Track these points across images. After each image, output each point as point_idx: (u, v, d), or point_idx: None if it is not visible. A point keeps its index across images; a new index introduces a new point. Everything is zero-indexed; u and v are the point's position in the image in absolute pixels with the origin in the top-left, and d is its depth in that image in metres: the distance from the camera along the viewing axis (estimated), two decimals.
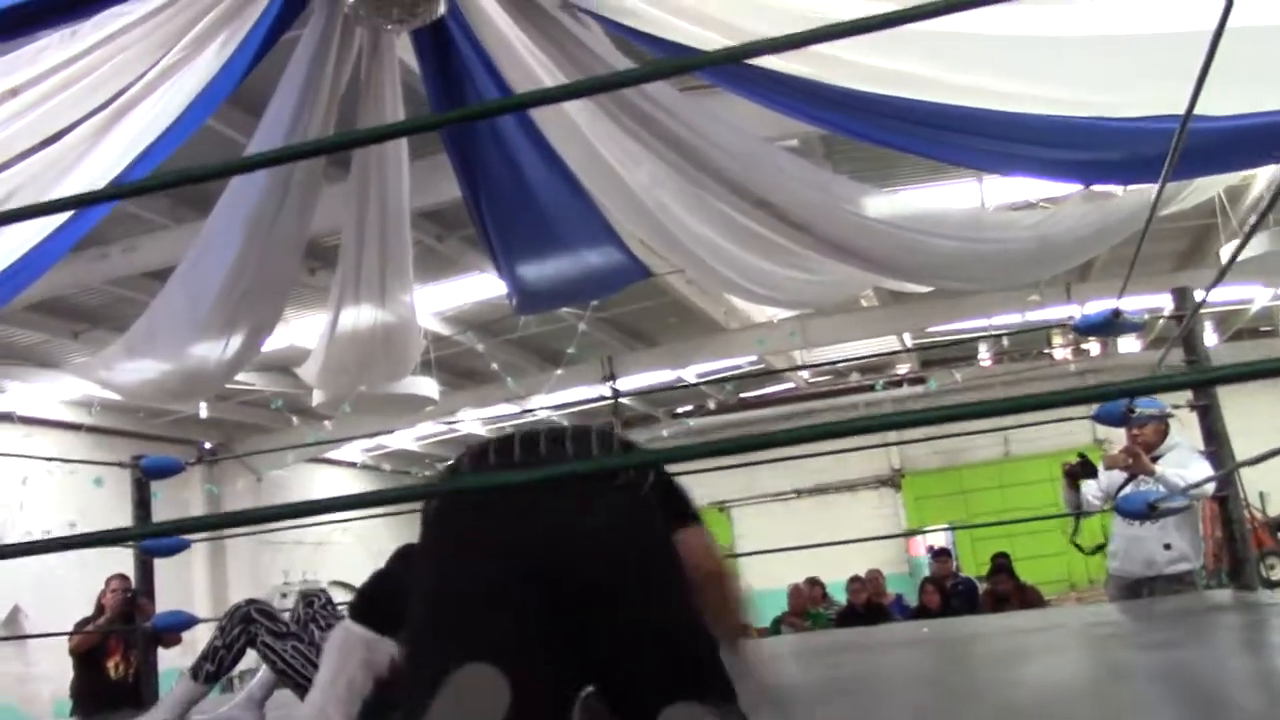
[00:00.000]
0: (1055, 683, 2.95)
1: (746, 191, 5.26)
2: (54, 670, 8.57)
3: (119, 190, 4.81)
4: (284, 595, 16.37)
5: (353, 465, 17.82)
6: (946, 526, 16.85)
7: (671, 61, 4.12)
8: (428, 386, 11.14)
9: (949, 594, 7.76)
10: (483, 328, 12.22)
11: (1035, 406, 1.21)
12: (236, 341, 6.23)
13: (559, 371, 13.27)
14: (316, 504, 1.58)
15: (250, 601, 3.52)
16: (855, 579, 7.86)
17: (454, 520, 1.86)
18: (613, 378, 14.19)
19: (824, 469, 18.09)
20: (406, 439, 17.14)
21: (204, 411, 12.29)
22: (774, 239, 5.57)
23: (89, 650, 5.20)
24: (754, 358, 14.78)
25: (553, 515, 1.79)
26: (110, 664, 5.28)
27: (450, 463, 2.07)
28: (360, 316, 6.37)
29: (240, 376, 12.18)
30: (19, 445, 11.77)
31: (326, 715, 2.63)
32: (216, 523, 8.18)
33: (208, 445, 15.25)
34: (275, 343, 10.75)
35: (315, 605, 3.38)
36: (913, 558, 17.71)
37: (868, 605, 7.66)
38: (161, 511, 12.42)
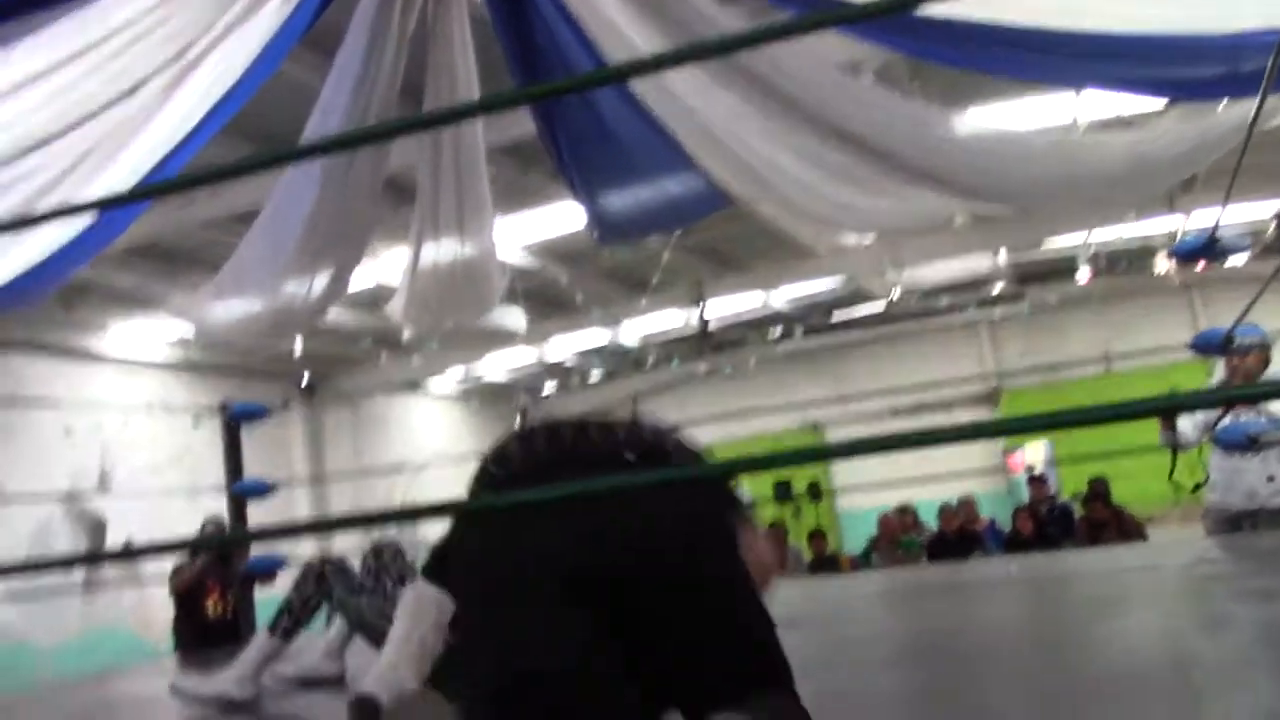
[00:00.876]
0: (1147, 642, 2.86)
1: (823, 120, 5.12)
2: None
3: (153, 188, 4.83)
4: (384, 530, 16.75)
5: (447, 397, 18.03)
6: (1040, 468, 16.53)
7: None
8: (515, 318, 11.16)
9: (1044, 521, 7.61)
10: (569, 258, 12.18)
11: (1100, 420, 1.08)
12: (321, 281, 6.30)
13: (643, 301, 13.22)
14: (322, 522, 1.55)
15: (324, 559, 3.56)
16: (946, 507, 7.72)
17: (491, 529, 1.81)
18: (701, 302, 14.11)
19: (920, 388, 17.86)
20: (499, 369, 17.29)
21: (299, 347, 12.50)
22: (854, 168, 5.43)
23: (187, 590, 5.36)
24: (844, 279, 14.55)
25: (590, 515, 1.71)
26: (208, 603, 5.45)
27: (479, 469, 1.98)
28: (440, 254, 6.39)
29: (334, 312, 12.39)
30: (120, 386, 12.14)
31: (398, 673, 2.65)
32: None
33: (306, 379, 15.56)
34: (366, 279, 10.88)
35: (385, 557, 3.41)
36: (1011, 477, 17.45)
37: (960, 533, 7.53)
38: (263, 447, 12.81)
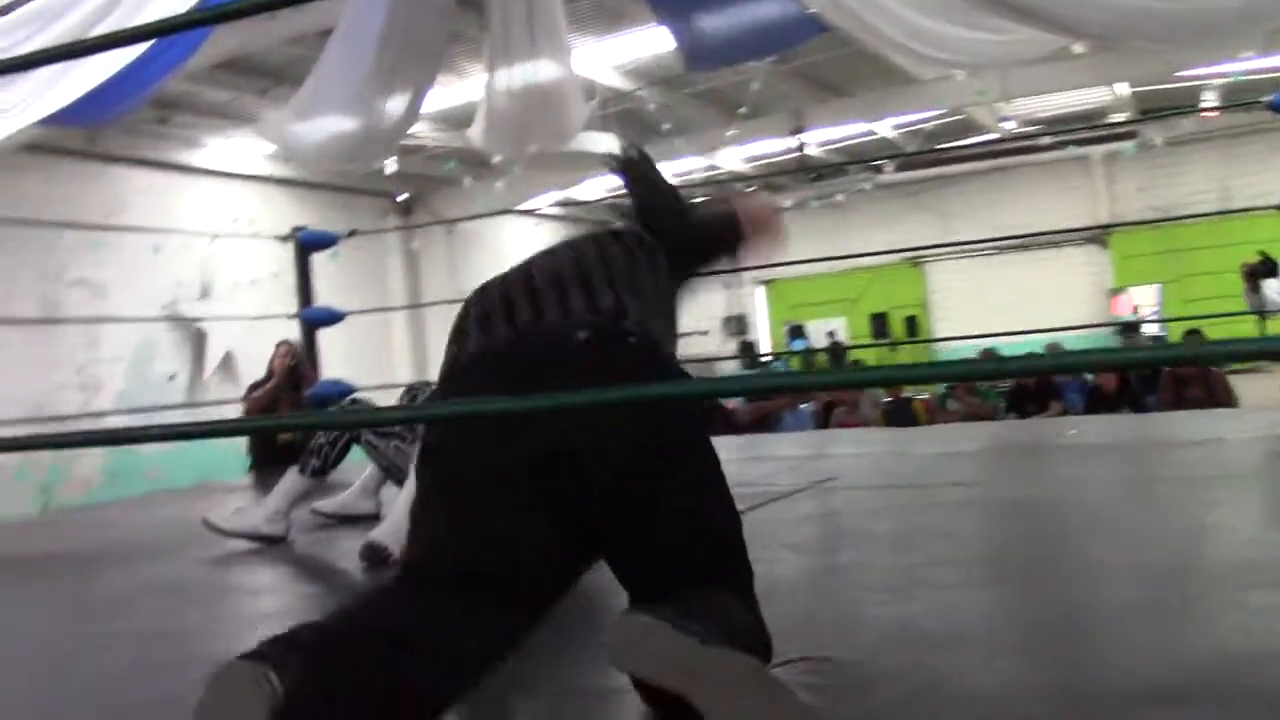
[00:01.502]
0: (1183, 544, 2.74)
1: None
2: None
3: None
4: None
5: (544, 216, 18.00)
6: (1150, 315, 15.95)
7: None
8: (606, 143, 10.99)
9: (1126, 376, 7.30)
10: (664, 81, 11.86)
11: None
12: (397, 102, 6.23)
13: (731, 131, 12.86)
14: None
15: (354, 400, 3.59)
16: (1030, 356, 7.45)
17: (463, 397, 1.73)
18: (800, 130, 13.72)
19: (1026, 224, 17.32)
20: (598, 192, 17.16)
21: (391, 166, 12.50)
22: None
23: (260, 412, 5.49)
24: (951, 109, 13.97)
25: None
26: None
27: (457, 323, 1.89)
28: (513, 79, 6.24)
29: (428, 131, 12.33)
30: (216, 201, 12.33)
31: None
32: None
33: (400, 197, 15.63)
34: (454, 98, 10.77)
35: (418, 399, 3.42)
36: (1116, 318, 16.99)
37: (1039, 383, 7.30)
38: (359, 265, 12.97)
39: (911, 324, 18.18)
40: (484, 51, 6.23)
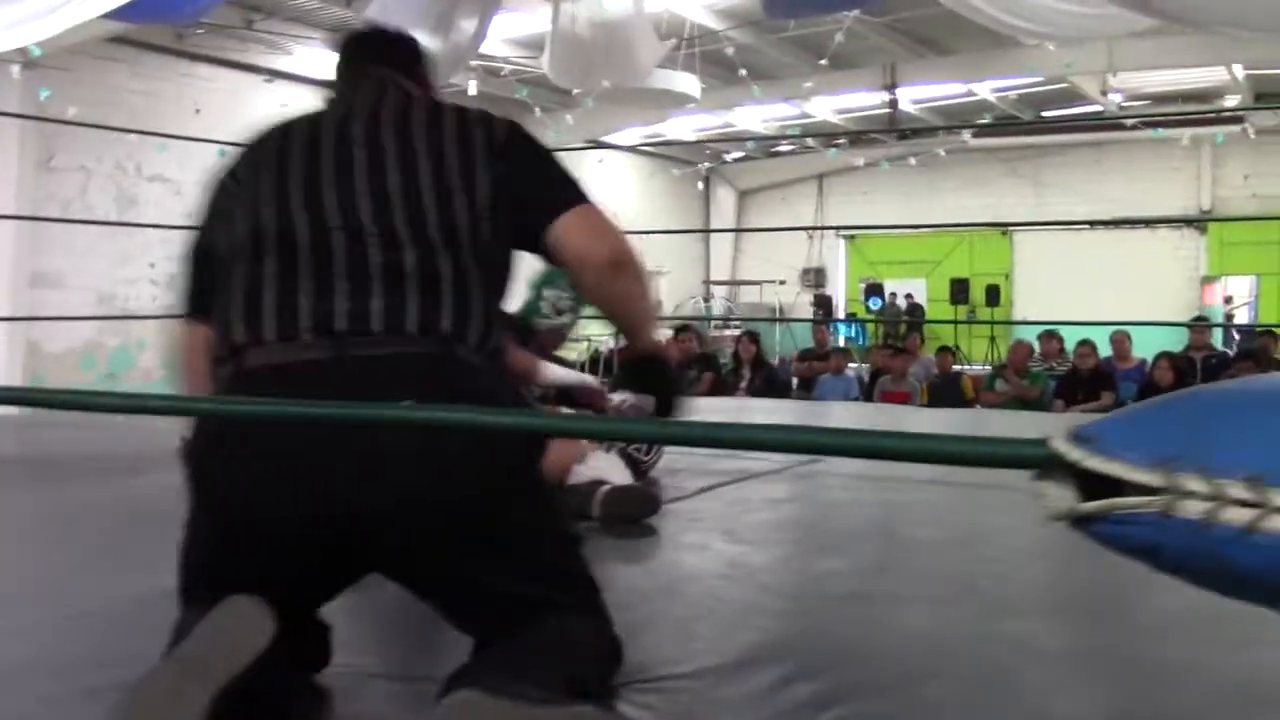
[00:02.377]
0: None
1: None
2: None
3: None
4: None
5: (631, 150, 17.84)
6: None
7: None
8: (686, 82, 10.80)
9: (1184, 371, 6.97)
10: (754, 24, 11.59)
11: None
12: (464, 19, 6.17)
13: (808, 83, 12.52)
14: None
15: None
16: (1085, 343, 7.15)
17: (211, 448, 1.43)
18: (893, 87, 13.37)
19: (1122, 199, 16.77)
20: (684, 129, 16.94)
21: (473, 88, 12.44)
22: None
23: None
24: (1050, 77, 13.48)
25: (330, 439, 1.33)
26: None
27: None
28: (578, 13, 6.16)
29: (514, 54, 12.23)
30: (296, 106, 12.35)
31: None
32: None
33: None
34: (540, 24, 10.64)
35: None
36: (1206, 307, 16.41)
37: (1094, 372, 7.00)
38: None
39: (993, 293, 17.74)
40: None
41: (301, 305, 1.43)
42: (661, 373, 1.85)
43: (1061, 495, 0.78)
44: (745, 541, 2.63)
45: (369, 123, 1.61)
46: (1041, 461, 0.79)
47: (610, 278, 1.63)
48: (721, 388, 7.99)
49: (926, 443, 0.85)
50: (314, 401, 1.22)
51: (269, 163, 1.60)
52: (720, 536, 2.63)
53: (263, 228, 1.51)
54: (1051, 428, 0.78)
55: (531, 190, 1.63)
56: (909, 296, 18.49)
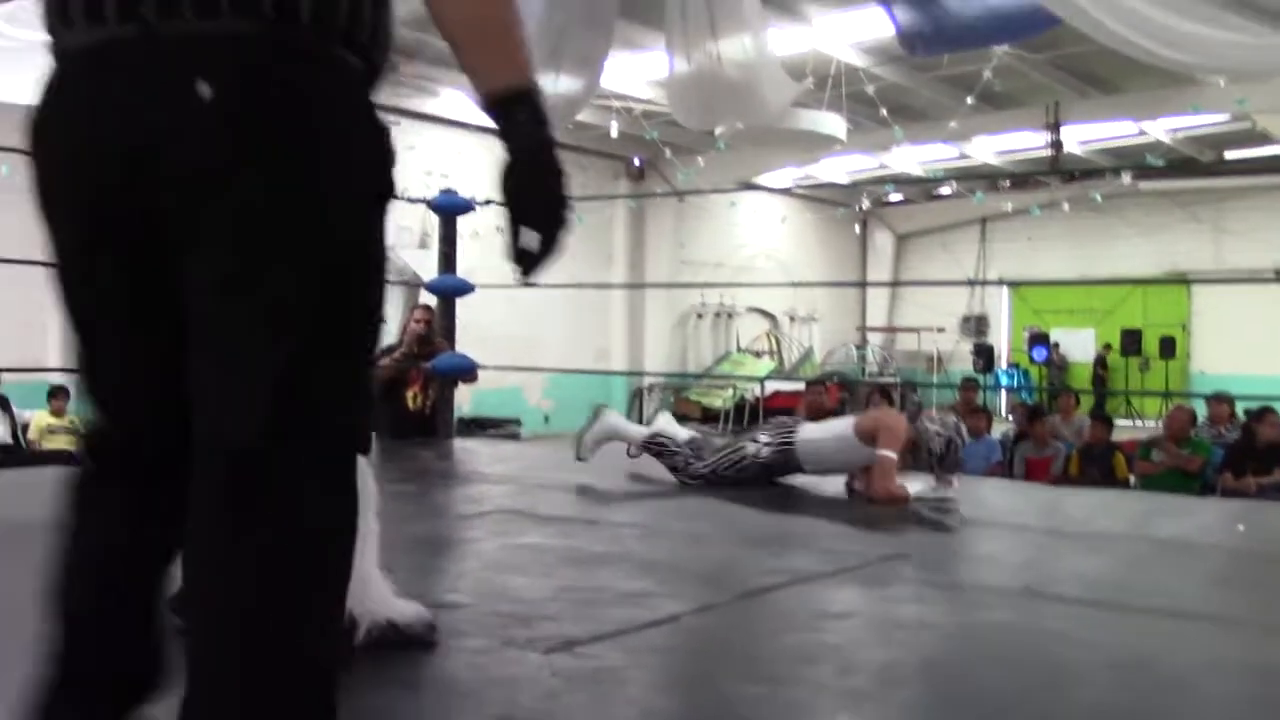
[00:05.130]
0: None
1: None
2: None
3: None
4: (699, 316, 16.73)
5: (783, 191, 17.48)
6: None
7: None
8: (832, 123, 10.43)
9: None
10: (904, 61, 11.10)
11: None
12: (570, 74, 6.02)
13: (953, 124, 11.90)
14: None
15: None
16: (1267, 410, 6.33)
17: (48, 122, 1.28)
18: (1056, 126, 12.70)
19: None
20: (838, 170, 16.51)
21: (614, 130, 12.31)
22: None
23: (389, 380, 5.32)
24: (1228, 117, 12.58)
25: (146, 90, 1.18)
26: (409, 394, 5.39)
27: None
28: (691, 59, 5.90)
29: (656, 96, 12.03)
30: (444, 149, 12.41)
31: None
32: None
33: (637, 162, 15.44)
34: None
35: (702, 453, 3.91)
36: None
37: (1271, 445, 6.21)
38: (585, 231, 12.81)
39: (1168, 345, 16.69)
40: (666, 22, 5.90)
41: None
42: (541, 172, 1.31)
43: None
44: (765, 671, 2.21)
45: None
46: None
47: None
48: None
49: None
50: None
51: None
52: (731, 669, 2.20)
53: None
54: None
55: None
56: (1055, 347, 17.70)
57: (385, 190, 1.27)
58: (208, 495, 1.16)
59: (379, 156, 1.26)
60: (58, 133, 1.26)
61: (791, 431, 3.78)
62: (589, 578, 2.53)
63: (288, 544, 1.15)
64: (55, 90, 1.26)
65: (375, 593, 1.90)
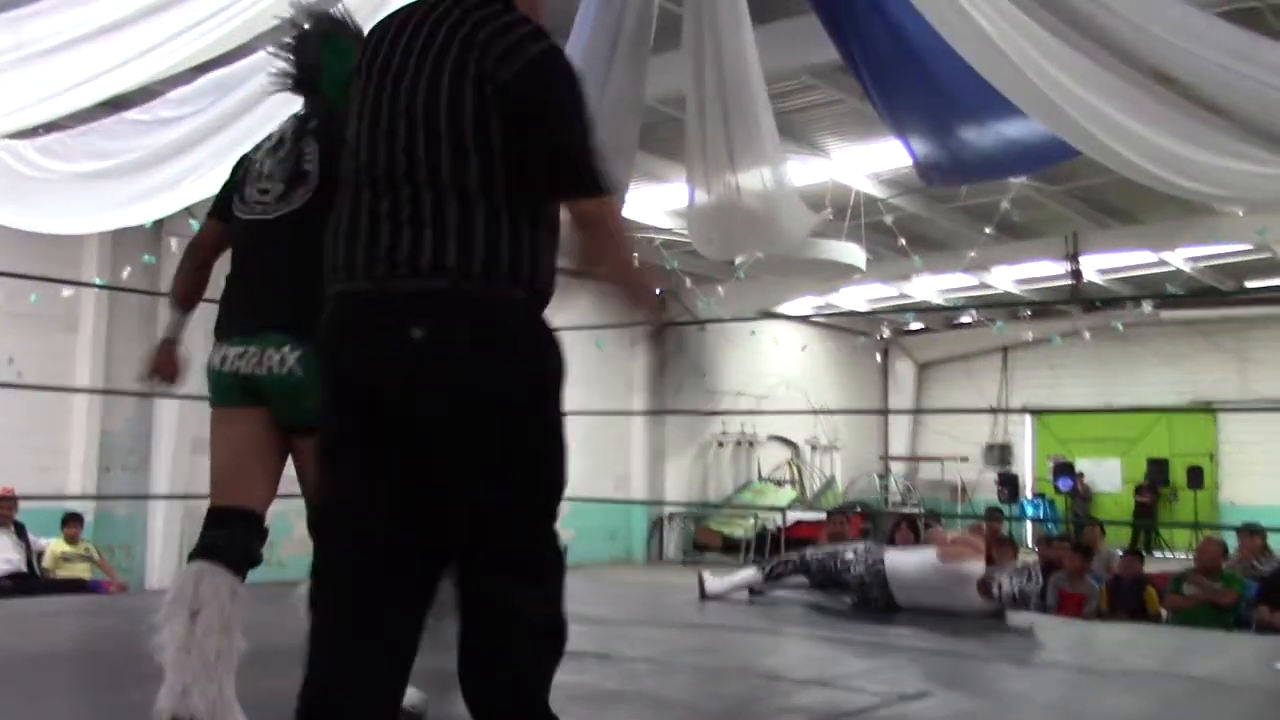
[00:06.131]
0: None
1: (1141, 61, 4.17)
2: None
3: None
4: (720, 445, 16.64)
5: (803, 319, 17.55)
6: None
7: None
8: (851, 253, 10.50)
9: None
10: (927, 191, 11.22)
11: None
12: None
13: (972, 253, 11.98)
14: None
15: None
16: None
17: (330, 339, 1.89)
18: (1075, 256, 12.75)
19: None
20: (858, 298, 16.59)
21: (636, 260, 12.40)
22: (1186, 121, 4.44)
23: None
24: (1250, 246, 12.60)
25: (381, 331, 1.77)
26: None
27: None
28: (710, 190, 5.95)
29: (677, 226, 12.17)
30: None
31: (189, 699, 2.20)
32: None
33: (658, 291, 15.53)
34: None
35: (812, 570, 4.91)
36: None
37: None
38: (603, 356, 12.86)
39: (1195, 475, 16.47)
40: (686, 152, 5.98)
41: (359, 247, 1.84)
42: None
43: None
44: None
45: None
46: None
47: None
48: None
49: None
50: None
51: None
52: None
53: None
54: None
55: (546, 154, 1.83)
56: (1080, 476, 17.50)
57: (562, 379, 1.86)
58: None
59: (552, 356, 1.85)
60: (333, 348, 1.84)
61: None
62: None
63: None
64: (332, 318, 1.85)
65: None
